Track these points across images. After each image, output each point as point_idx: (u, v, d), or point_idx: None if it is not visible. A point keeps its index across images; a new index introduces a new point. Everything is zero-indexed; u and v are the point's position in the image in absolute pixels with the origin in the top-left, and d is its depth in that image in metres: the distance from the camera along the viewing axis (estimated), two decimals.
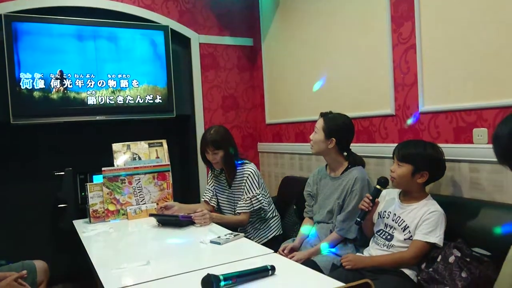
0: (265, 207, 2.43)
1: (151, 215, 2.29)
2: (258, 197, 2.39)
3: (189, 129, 3.61)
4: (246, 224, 2.43)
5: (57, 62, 2.91)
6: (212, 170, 2.61)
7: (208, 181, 2.67)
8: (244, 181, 2.42)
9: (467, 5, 1.91)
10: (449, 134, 2.04)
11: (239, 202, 2.41)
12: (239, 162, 2.48)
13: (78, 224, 2.37)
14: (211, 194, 2.60)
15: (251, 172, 2.42)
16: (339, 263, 1.86)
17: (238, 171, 2.46)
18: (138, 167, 2.50)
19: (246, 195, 2.39)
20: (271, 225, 2.50)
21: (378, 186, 1.87)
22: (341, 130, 2.12)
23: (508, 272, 1.31)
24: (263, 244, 2.19)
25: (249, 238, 2.39)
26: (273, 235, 2.48)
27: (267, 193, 2.52)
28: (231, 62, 3.70)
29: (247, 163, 2.49)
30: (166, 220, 2.23)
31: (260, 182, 2.45)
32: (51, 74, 2.88)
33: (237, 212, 2.41)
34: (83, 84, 3.00)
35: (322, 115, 2.18)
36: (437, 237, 1.70)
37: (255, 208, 2.39)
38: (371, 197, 1.85)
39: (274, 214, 2.55)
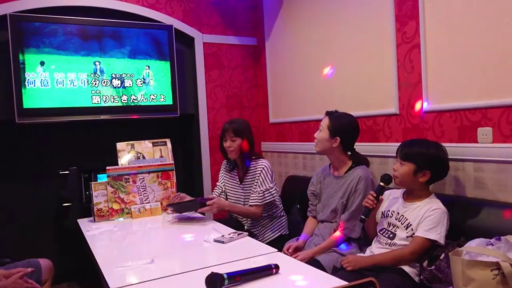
0: (276, 202, 2.45)
1: (168, 205, 2.32)
2: (271, 190, 2.40)
3: (193, 128, 3.62)
4: (257, 219, 2.44)
5: (62, 62, 2.92)
6: (226, 160, 2.63)
7: (219, 178, 2.69)
8: (258, 175, 2.43)
9: (472, 3, 1.91)
10: (453, 133, 2.03)
11: (251, 195, 2.42)
12: (253, 157, 2.50)
13: (83, 222, 2.38)
14: (220, 190, 2.63)
15: (265, 166, 2.45)
16: (339, 265, 1.86)
17: (251, 165, 2.47)
18: (142, 166, 2.51)
19: (259, 188, 2.40)
20: (279, 224, 2.51)
21: (381, 183, 1.87)
22: (346, 129, 2.12)
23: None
24: (268, 243, 2.20)
25: (255, 235, 2.40)
26: (279, 234, 2.49)
27: (278, 191, 2.54)
28: (235, 61, 3.70)
29: (261, 158, 2.52)
30: (183, 206, 2.28)
31: (273, 178, 2.46)
32: (55, 73, 2.90)
33: (249, 205, 2.42)
34: (87, 84, 3.01)
35: (328, 113, 2.18)
36: (437, 234, 1.69)
37: (267, 201, 2.39)
38: (375, 194, 1.85)
39: (282, 214, 2.56)
